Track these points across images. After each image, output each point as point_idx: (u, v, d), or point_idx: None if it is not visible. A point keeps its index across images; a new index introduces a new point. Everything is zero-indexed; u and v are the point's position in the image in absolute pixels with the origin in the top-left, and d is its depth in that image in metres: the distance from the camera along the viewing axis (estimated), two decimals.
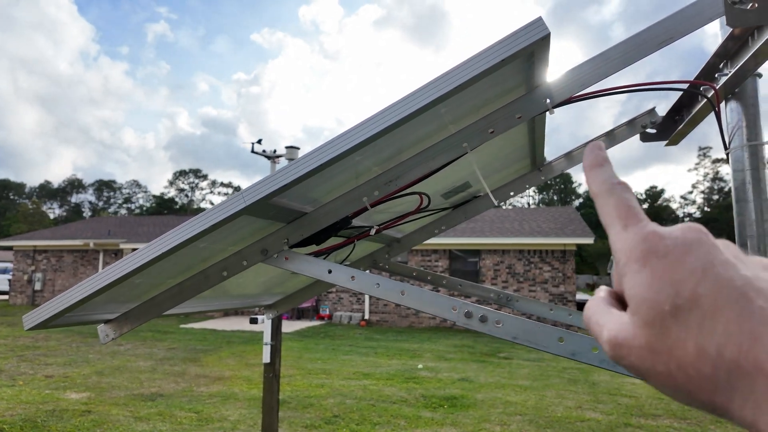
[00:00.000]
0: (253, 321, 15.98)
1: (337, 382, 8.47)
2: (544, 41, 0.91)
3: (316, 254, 1.66)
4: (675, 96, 1.68)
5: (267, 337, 4.75)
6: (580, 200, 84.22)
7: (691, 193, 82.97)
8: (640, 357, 0.29)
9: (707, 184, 78.03)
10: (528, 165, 1.95)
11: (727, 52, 1.32)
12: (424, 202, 1.48)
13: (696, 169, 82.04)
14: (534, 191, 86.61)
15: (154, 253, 1.07)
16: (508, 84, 1.13)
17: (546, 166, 1.93)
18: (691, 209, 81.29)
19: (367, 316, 16.94)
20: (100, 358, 10.49)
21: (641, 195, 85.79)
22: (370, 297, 16.69)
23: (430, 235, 2.11)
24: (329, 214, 1.24)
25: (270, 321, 4.79)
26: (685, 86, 1.34)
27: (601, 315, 0.33)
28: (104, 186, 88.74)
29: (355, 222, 1.56)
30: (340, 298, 17.48)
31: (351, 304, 17.31)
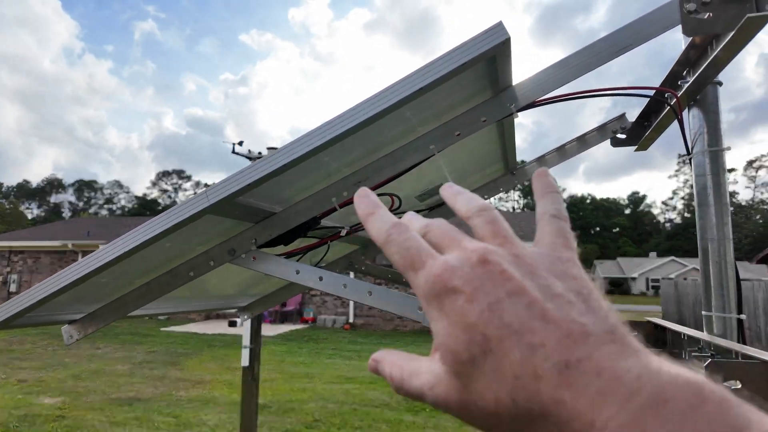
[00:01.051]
0: (232, 324, 15.80)
1: (319, 386, 8.42)
2: (505, 45, 0.93)
3: (289, 255, 1.66)
4: (644, 106, 1.72)
5: (246, 340, 4.70)
6: (564, 206, 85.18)
7: (671, 198, 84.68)
8: (457, 410, 0.28)
9: (687, 191, 79.73)
10: (501, 169, 1.98)
11: (688, 60, 1.36)
12: (395, 203, 1.49)
13: (676, 175, 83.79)
14: (519, 196, 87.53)
15: (117, 252, 1.06)
16: (472, 88, 1.15)
17: (519, 169, 1.96)
18: (672, 215, 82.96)
19: (351, 320, 16.89)
20: (76, 362, 10.27)
21: (624, 200, 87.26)
22: (355, 300, 16.64)
23: None
24: (298, 214, 1.24)
25: (249, 323, 4.74)
26: (650, 92, 1.37)
27: (405, 360, 0.32)
28: (85, 186, 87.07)
29: (329, 223, 1.56)
30: (324, 302, 17.40)
31: (335, 307, 17.24)
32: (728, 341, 1.21)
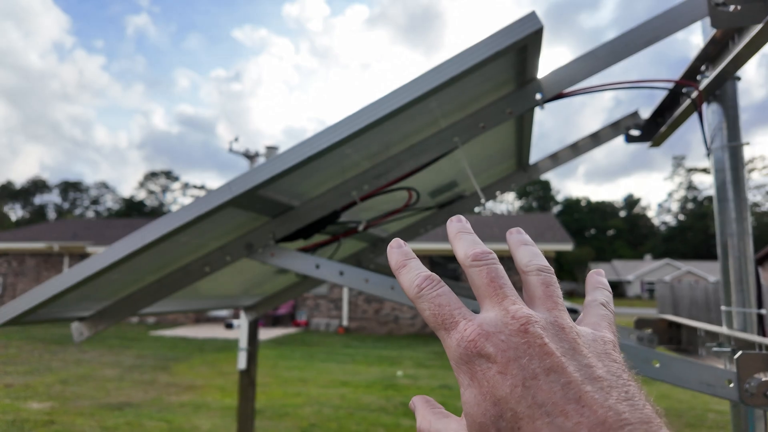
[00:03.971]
0: (229, 326, 15.63)
1: (314, 391, 8.34)
2: (537, 35, 0.91)
3: (303, 251, 1.63)
4: (659, 102, 1.72)
5: (243, 343, 4.64)
6: (560, 207, 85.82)
7: (666, 201, 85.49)
8: None
9: (682, 193, 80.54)
10: (513, 165, 1.97)
11: (708, 55, 1.36)
12: (413, 198, 1.47)
13: (671, 177, 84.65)
14: (514, 198, 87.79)
15: (132, 247, 1.02)
16: (499, 79, 1.13)
17: (532, 166, 1.95)
18: (667, 217, 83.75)
19: (345, 323, 16.80)
20: (64, 367, 10.07)
21: (620, 203, 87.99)
22: (349, 303, 16.55)
23: (415, 235, 2.10)
24: (317, 208, 1.21)
25: (247, 326, 4.68)
26: (670, 85, 1.37)
27: (436, 416, 0.33)
28: (70, 187, 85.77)
29: (342, 219, 1.54)
30: (317, 305, 17.29)
31: (328, 310, 17.14)
32: (750, 335, 1.20)
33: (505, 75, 1.13)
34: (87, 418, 6.63)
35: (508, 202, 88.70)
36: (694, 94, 1.34)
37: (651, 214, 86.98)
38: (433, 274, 0.32)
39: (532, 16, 0.92)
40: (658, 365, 0.97)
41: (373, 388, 8.47)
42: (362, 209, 1.78)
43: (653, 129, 1.72)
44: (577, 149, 1.83)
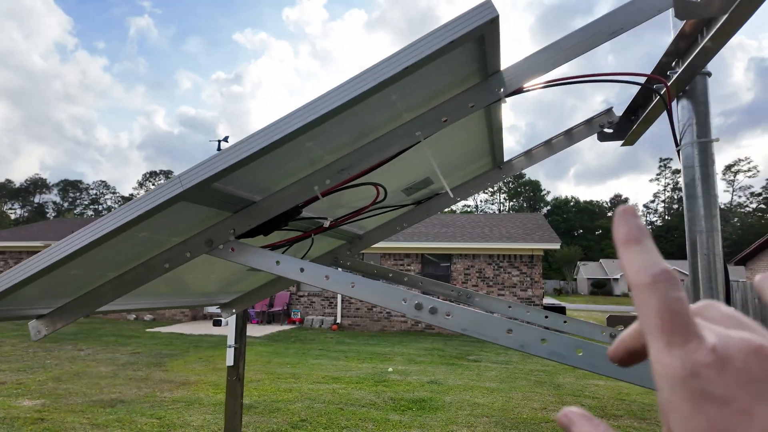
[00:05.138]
0: (217, 323, 15.59)
1: (305, 387, 8.34)
2: (494, 24, 0.89)
3: (273, 248, 1.61)
4: (631, 99, 1.71)
5: (231, 340, 4.62)
6: (548, 207, 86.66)
7: (653, 202, 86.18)
8: None
9: (668, 194, 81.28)
10: (489, 163, 1.95)
11: (678, 50, 1.34)
12: (381, 194, 1.45)
13: (657, 179, 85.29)
14: (505, 198, 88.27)
15: (86, 240, 1.00)
16: (462, 72, 1.11)
17: (506, 164, 1.93)
18: (654, 217, 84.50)
19: (339, 320, 16.80)
20: (57, 364, 10.04)
21: (606, 203, 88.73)
22: (343, 301, 16.54)
23: (392, 232, 2.08)
24: (279, 203, 1.19)
25: (234, 323, 4.67)
26: (639, 79, 1.35)
27: None
28: (70, 186, 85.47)
29: (311, 214, 1.52)
30: (311, 302, 17.28)
31: (323, 308, 17.13)
32: None
33: (469, 68, 1.11)
34: (78, 415, 6.61)
35: (499, 201, 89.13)
36: (663, 91, 1.33)
37: (638, 214, 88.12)
38: (674, 270, 0.26)
39: (488, 4, 0.90)
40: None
41: (363, 384, 8.47)
42: (338, 206, 1.76)
43: (627, 127, 1.70)
44: (551, 147, 1.82)
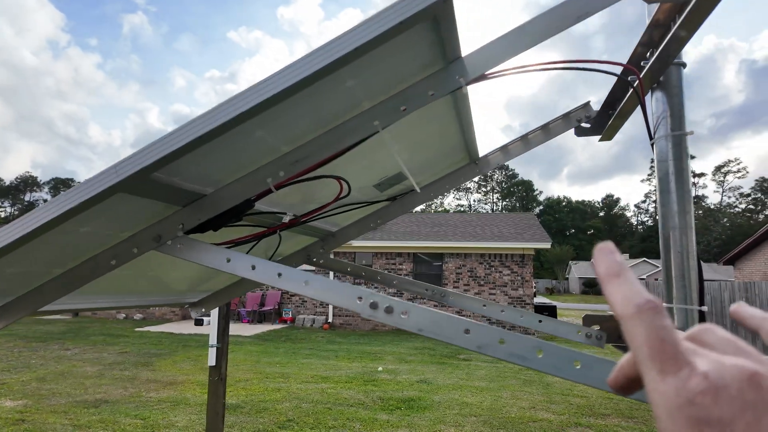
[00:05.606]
0: (198, 323, 15.44)
1: (294, 386, 8.27)
2: (447, 4, 0.84)
3: (235, 244, 1.54)
4: (608, 92, 1.66)
5: (213, 339, 4.54)
6: (541, 207, 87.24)
7: (644, 202, 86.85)
8: None
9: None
10: (465, 158, 1.90)
11: (652, 40, 1.29)
12: (344, 189, 1.39)
13: (649, 179, 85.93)
14: (498, 198, 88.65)
15: (15, 235, 0.94)
16: (422, 59, 1.06)
17: (482, 159, 1.88)
18: (645, 217, 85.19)
19: (330, 320, 16.73)
20: (43, 364, 9.90)
21: (599, 204, 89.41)
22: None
23: (366, 229, 2.03)
24: (230, 196, 1.13)
25: (216, 322, 4.60)
26: (616, 69, 1.30)
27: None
28: (61, 184, 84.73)
29: (271, 208, 1.45)
30: (303, 301, 17.20)
31: (314, 307, 17.06)
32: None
33: (428, 54, 1.05)
34: (60, 416, 6.51)
35: (492, 201, 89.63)
36: (636, 83, 1.28)
37: (629, 214, 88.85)
38: (658, 299, 0.27)
39: None
40: (579, 366, 0.90)
41: (352, 383, 8.42)
42: (309, 201, 1.70)
43: (605, 121, 1.65)
44: (527, 142, 1.77)
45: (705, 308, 1.21)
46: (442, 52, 1.02)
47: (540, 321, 1.72)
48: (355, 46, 0.83)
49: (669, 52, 1.16)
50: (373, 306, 1.00)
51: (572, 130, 1.77)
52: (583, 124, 1.75)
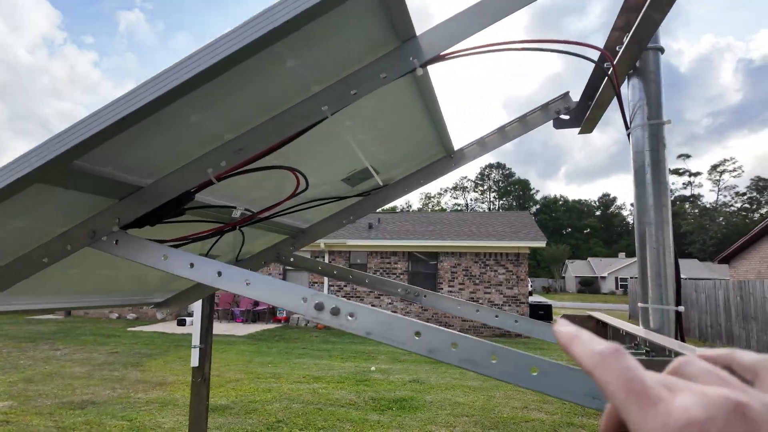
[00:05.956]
0: (181, 323, 15.29)
1: (285, 387, 8.18)
2: None
3: (192, 241, 1.46)
4: (587, 82, 1.58)
5: (195, 340, 4.45)
6: (538, 206, 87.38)
7: None
8: None
9: None
10: (440, 152, 1.82)
11: (628, 24, 1.22)
12: (301, 183, 1.31)
13: None
14: (495, 197, 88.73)
15: None
16: (373, 39, 0.98)
17: (458, 152, 1.80)
18: None
19: None
20: (31, 364, 9.78)
21: (595, 203, 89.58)
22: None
23: (338, 226, 1.94)
24: (169, 188, 1.04)
25: (199, 322, 4.51)
26: (590, 52, 1.22)
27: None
28: None
29: (219, 202, 1.37)
30: None
31: None
32: (663, 337, 1.07)
33: (381, 33, 0.97)
34: (45, 417, 6.40)
35: (489, 200, 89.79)
36: (611, 70, 1.20)
37: (625, 213, 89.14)
38: (619, 344, 0.28)
39: None
40: (536, 373, 0.82)
41: (345, 384, 8.33)
42: (281, 196, 1.61)
43: (584, 112, 1.57)
44: (505, 134, 1.68)
45: (681, 308, 1.13)
46: (394, 31, 0.94)
47: (516, 321, 1.64)
48: (285, 18, 0.75)
49: (642, 35, 1.08)
50: (318, 307, 0.92)
51: (551, 123, 1.69)
52: (562, 116, 1.67)
